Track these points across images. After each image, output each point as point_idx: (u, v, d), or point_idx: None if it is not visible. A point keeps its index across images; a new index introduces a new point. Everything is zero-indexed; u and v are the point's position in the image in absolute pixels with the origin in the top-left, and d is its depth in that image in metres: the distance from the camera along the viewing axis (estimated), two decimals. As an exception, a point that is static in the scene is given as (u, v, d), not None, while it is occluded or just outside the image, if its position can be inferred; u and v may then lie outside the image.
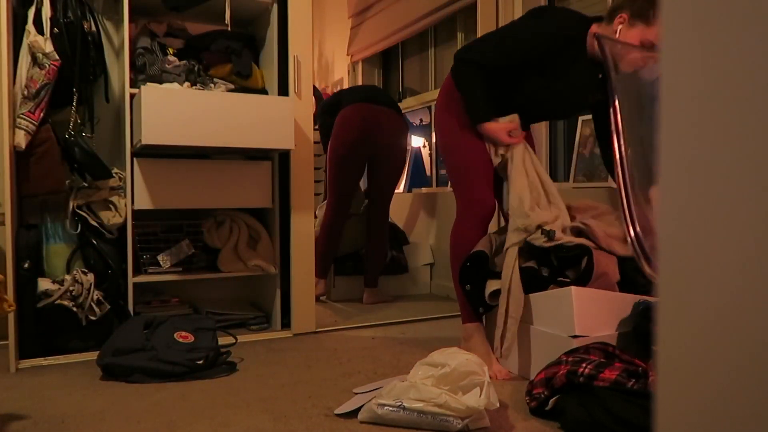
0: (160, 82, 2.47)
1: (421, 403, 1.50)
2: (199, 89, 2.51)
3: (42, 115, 2.16)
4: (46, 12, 2.20)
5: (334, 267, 3.48)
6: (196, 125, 2.28)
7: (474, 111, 2.04)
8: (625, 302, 1.86)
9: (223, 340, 2.25)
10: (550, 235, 1.91)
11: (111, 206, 2.36)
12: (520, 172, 2.03)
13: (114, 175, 2.38)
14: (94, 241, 2.31)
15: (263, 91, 2.68)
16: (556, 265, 1.96)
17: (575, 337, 1.75)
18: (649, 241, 1.44)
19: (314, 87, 3.62)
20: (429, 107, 4.15)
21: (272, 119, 2.37)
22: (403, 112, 3.53)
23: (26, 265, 2.13)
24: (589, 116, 2.72)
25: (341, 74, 4.98)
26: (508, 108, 2.07)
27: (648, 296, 1.88)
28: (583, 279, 1.86)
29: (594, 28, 1.96)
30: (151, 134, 2.20)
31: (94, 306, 2.19)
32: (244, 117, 2.36)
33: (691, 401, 0.43)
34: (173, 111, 2.24)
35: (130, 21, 2.39)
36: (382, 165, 3.37)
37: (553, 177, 3.04)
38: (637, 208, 1.52)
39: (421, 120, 4.47)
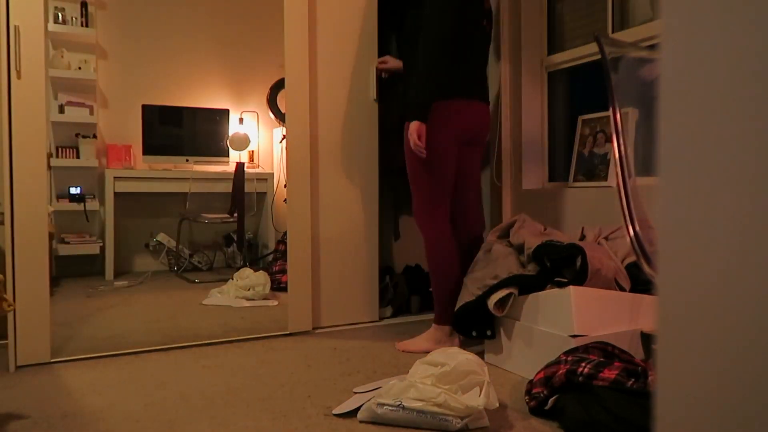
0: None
1: (421, 402, 1.50)
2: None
3: None
4: None
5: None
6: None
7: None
8: (623, 301, 1.86)
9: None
10: None
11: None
12: None
13: None
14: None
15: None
16: (549, 266, 1.97)
17: (574, 336, 1.75)
18: (647, 237, 1.44)
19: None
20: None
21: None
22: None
23: (25, 265, 2.12)
24: (589, 116, 2.72)
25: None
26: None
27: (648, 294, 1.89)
28: (579, 279, 1.86)
29: None
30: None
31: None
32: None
33: (691, 400, 0.43)
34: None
35: None
36: None
37: (552, 177, 3.03)
38: (636, 208, 1.52)
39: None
